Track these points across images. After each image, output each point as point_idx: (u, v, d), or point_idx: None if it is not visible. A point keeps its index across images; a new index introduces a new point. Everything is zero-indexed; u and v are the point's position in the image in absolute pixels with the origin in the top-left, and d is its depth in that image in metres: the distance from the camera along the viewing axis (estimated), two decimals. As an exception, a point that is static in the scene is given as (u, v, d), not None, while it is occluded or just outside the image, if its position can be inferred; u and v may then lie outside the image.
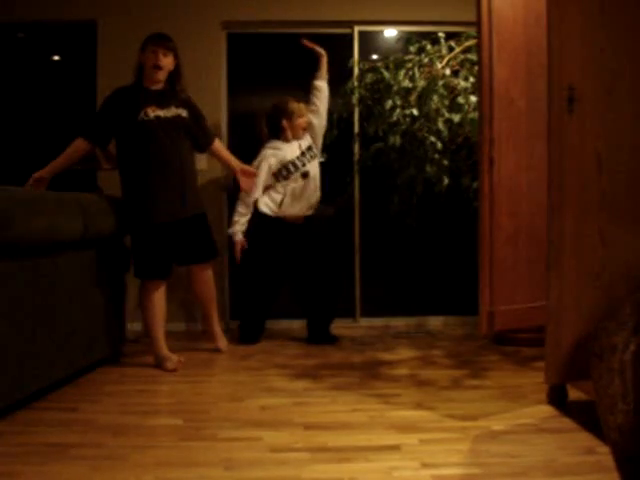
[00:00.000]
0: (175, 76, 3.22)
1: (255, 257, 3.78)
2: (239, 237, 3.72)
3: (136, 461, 1.91)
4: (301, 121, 3.79)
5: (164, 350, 3.13)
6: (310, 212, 3.82)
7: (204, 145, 3.39)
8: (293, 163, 3.73)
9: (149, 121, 3.07)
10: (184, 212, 3.19)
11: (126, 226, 3.16)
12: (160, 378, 2.96)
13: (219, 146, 3.49)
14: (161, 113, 3.10)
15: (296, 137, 3.79)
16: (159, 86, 3.18)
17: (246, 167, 3.44)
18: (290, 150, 3.75)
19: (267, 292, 3.84)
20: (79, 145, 3.11)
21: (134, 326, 4.04)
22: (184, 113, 3.20)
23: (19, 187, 2.39)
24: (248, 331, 3.83)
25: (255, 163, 3.69)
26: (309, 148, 3.80)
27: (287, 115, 3.77)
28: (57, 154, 3.13)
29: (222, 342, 3.52)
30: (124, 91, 3.15)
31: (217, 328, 3.53)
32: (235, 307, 4.32)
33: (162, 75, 3.16)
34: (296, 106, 3.79)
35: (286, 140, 3.78)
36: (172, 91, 3.21)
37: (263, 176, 3.69)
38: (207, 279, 3.41)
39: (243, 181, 3.40)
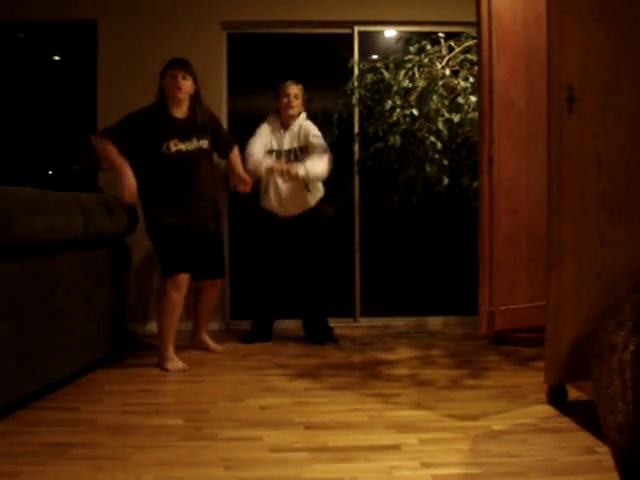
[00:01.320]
0: (196, 102, 3.28)
1: (259, 253, 3.86)
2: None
3: (136, 461, 1.92)
4: (284, 100, 3.73)
5: (170, 352, 3.14)
6: (297, 211, 3.76)
7: (225, 153, 3.55)
8: (277, 152, 3.72)
9: (170, 155, 3.13)
10: (198, 225, 3.26)
11: (149, 233, 3.25)
12: (160, 378, 2.96)
13: (236, 154, 3.58)
14: (183, 147, 3.16)
15: (286, 120, 3.75)
16: (183, 114, 3.23)
17: (246, 176, 3.52)
18: (279, 139, 3.75)
19: (271, 289, 3.84)
20: (106, 144, 3.10)
21: (134, 326, 4.05)
22: (205, 144, 3.26)
23: (19, 187, 2.39)
24: (260, 329, 3.84)
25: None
26: (301, 149, 3.72)
27: (276, 96, 3.80)
28: (57, 154, 3.13)
29: (216, 345, 3.57)
30: (149, 115, 3.16)
31: (207, 336, 3.60)
32: (245, 307, 4.27)
33: (183, 95, 3.20)
34: (282, 85, 3.78)
35: (283, 126, 3.77)
36: (194, 120, 3.25)
37: (262, 134, 3.72)
38: (214, 297, 3.55)
39: (239, 185, 3.55)
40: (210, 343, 3.55)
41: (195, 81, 3.26)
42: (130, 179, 3.04)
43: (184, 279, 3.17)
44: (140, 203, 3.22)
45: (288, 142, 3.73)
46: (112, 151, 3.07)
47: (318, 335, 3.80)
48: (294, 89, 3.74)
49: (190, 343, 3.56)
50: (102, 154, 3.14)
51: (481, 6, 2.76)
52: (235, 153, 3.57)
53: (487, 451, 1.97)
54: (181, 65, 3.21)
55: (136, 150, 3.13)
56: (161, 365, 3.10)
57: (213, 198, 3.37)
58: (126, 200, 3.08)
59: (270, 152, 3.71)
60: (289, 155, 3.72)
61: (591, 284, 2.24)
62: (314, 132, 3.71)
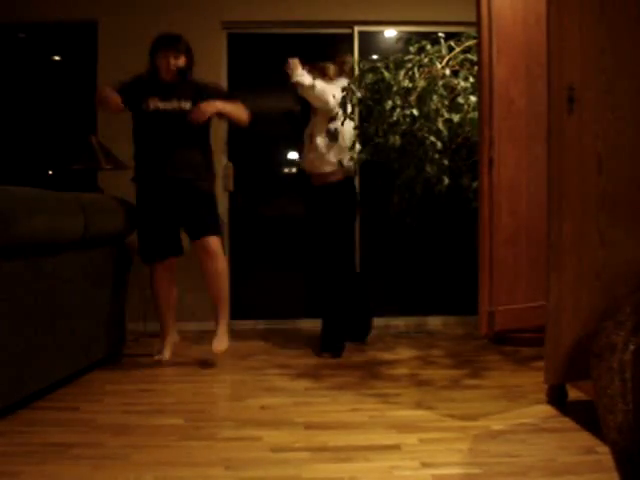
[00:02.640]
0: (187, 68, 3.28)
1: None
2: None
3: (136, 460, 1.92)
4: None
5: (160, 339, 3.29)
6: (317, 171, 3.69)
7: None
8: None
9: (148, 113, 3.18)
10: (169, 173, 3.20)
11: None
12: (160, 378, 2.96)
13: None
14: (161, 105, 3.18)
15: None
16: (169, 78, 3.24)
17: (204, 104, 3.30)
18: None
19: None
20: (118, 100, 3.13)
21: (134, 326, 4.05)
22: (188, 106, 3.20)
23: (19, 187, 2.39)
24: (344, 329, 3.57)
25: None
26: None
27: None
28: (57, 154, 3.14)
29: (216, 343, 3.17)
30: (141, 78, 3.27)
31: (220, 328, 3.23)
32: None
33: (171, 74, 3.24)
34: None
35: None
36: (181, 83, 3.24)
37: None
38: (209, 268, 3.22)
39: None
40: (214, 342, 3.17)
41: (188, 55, 3.27)
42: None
43: (156, 265, 3.23)
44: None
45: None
46: (105, 89, 3.16)
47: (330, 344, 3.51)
48: None
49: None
50: (99, 96, 3.17)
51: (481, 6, 2.75)
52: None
53: (487, 451, 1.97)
54: (172, 43, 3.22)
55: (127, 102, 3.18)
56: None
57: (200, 165, 3.28)
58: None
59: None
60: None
61: (591, 284, 2.24)
62: None
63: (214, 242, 3.23)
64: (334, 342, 3.46)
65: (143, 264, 3.32)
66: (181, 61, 3.24)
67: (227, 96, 3.39)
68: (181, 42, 3.25)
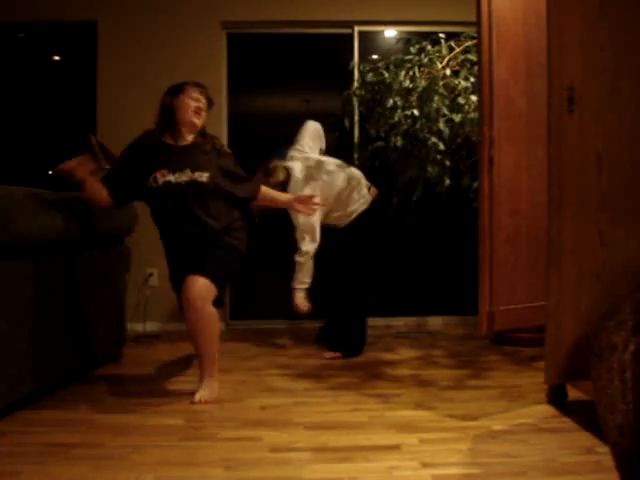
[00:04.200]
0: (202, 130, 2.82)
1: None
2: None
3: (136, 461, 1.92)
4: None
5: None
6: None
7: (246, 200, 2.91)
8: None
9: (157, 188, 2.64)
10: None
11: None
12: (160, 378, 2.96)
13: (265, 192, 2.98)
14: (172, 178, 2.64)
15: None
16: (181, 141, 2.74)
17: (302, 196, 3.05)
18: None
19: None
20: (102, 194, 2.69)
21: (134, 326, 4.06)
22: (204, 177, 2.67)
23: (19, 187, 2.39)
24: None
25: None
26: None
27: None
28: (56, 154, 3.11)
29: (199, 393, 2.58)
30: (145, 143, 2.73)
31: (203, 382, 2.61)
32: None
33: (200, 124, 2.76)
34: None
35: None
36: (192, 148, 2.74)
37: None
38: (189, 314, 2.53)
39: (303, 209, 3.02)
40: (197, 393, 2.59)
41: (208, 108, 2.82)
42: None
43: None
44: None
45: None
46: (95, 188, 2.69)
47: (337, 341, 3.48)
48: None
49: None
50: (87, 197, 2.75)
51: (481, 6, 2.76)
52: (263, 193, 2.96)
53: (487, 451, 1.97)
54: (203, 88, 2.78)
55: (132, 181, 2.70)
56: None
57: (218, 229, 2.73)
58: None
59: None
60: None
61: (591, 284, 2.24)
62: None
63: (200, 285, 2.52)
64: (351, 342, 3.44)
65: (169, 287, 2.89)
66: (205, 113, 2.78)
67: (235, 165, 2.89)
68: (206, 89, 2.81)
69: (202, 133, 2.81)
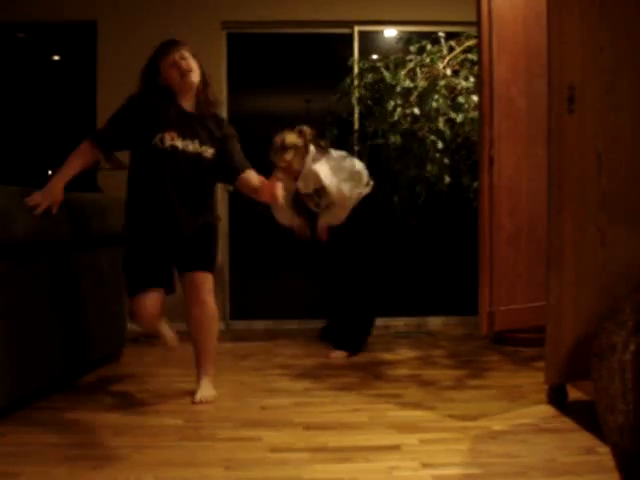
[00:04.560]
0: (203, 91, 2.62)
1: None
2: None
3: (136, 461, 1.91)
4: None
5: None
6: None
7: (234, 175, 2.69)
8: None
9: (162, 150, 2.47)
10: (185, 232, 2.59)
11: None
12: (160, 378, 2.96)
13: (246, 178, 2.68)
14: (180, 144, 2.50)
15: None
16: (190, 104, 2.57)
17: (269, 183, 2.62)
18: None
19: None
20: (86, 150, 2.50)
21: (134, 326, 4.05)
22: (209, 153, 2.58)
23: (19, 187, 2.39)
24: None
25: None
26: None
27: None
28: (56, 153, 3.09)
29: (199, 393, 2.58)
30: (156, 98, 2.52)
31: (202, 380, 2.64)
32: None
33: (196, 78, 2.55)
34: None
35: None
36: (203, 119, 2.59)
37: None
38: (198, 307, 2.60)
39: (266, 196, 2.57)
40: (167, 335, 2.78)
41: (200, 69, 2.61)
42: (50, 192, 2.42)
43: (149, 303, 2.50)
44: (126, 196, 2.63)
45: None
46: (72, 156, 2.48)
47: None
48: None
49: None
50: (85, 160, 2.52)
51: (481, 6, 2.75)
52: (249, 174, 2.68)
53: (487, 451, 1.97)
54: (177, 44, 2.57)
55: (130, 136, 2.50)
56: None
57: (210, 208, 2.71)
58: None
59: None
60: None
61: (591, 284, 2.24)
62: None
63: (210, 281, 2.61)
64: (356, 341, 3.44)
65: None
66: (195, 71, 2.56)
67: (239, 147, 2.73)
68: (185, 44, 2.60)
69: (209, 101, 2.63)
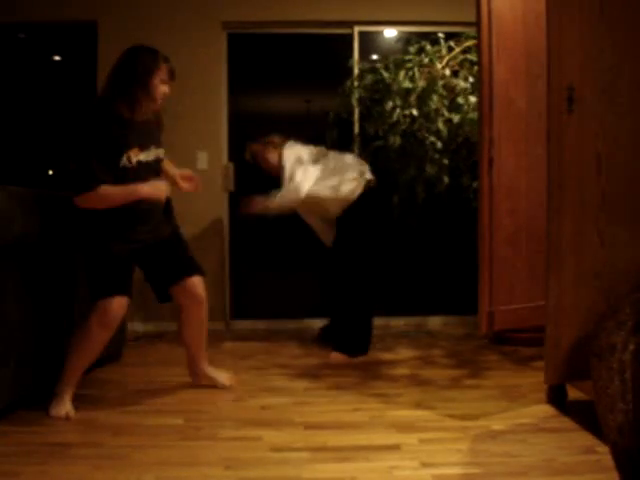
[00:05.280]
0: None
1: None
2: None
3: (136, 460, 1.92)
4: None
5: (69, 393, 2.46)
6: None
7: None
8: None
9: (130, 168, 2.45)
10: (156, 239, 2.64)
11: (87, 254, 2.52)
12: (160, 378, 2.96)
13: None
14: (142, 157, 2.50)
15: None
16: (140, 116, 2.51)
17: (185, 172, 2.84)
18: None
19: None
20: (97, 194, 2.39)
21: (134, 326, 4.06)
22: (162, 153, 2.64)
23: (19, 187, 2.39)
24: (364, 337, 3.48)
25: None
26: None
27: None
28: (57, 154, 3.08)
29: (227, 377, 2.84)
30: (107, 119, 2.41)
31: (210, 367, 2.85)
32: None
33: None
34: None
35: None
36: (150, 124, 2.59)
37: None
38: (198, 314, 2.73)
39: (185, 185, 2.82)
40: (218, 377, 2.81)
41: None
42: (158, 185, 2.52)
43: (118, 305, 2.44)
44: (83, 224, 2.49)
45: None
46: (109, 190, 2.40)
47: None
48: None
49: (193, 381, 2.83)
50: (105, 203, 2.43)
51: (481, 6, 2.76)
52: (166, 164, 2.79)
53: (487, 451, 1.97)
54: (174, 73, 2.56)
55: (100, 158, 2.39)
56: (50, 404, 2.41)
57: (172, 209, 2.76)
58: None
59: None
60: None
61: (591, 284, 2.24)
62: None
63: (201, 284, 2.71)
64: (356, 342, 3.41)
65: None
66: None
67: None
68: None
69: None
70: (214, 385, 2.79)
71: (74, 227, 2.57)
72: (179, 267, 2.68)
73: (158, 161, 2.62)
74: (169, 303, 2.74)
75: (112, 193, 2.40)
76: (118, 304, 2.44)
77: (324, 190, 3.37)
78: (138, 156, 2.48)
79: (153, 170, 2.58)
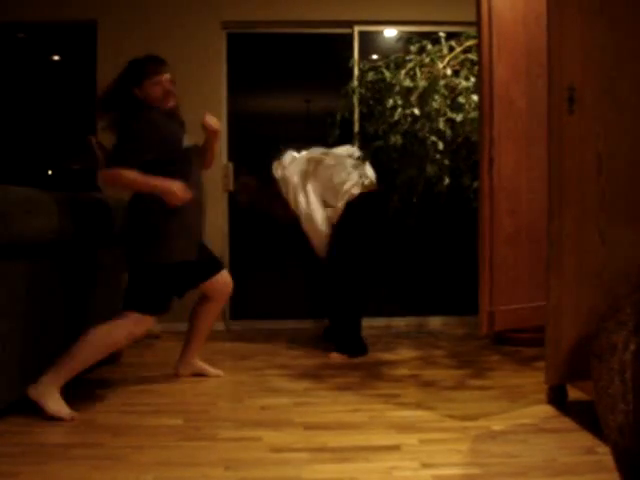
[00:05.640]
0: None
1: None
2: None
3: (136, 461, 1.91)
4: None
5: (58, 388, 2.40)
6: None
7: None
8: None
9: (187, 150, 2.60)
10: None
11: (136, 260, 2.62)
12: (160, 378, 2.96)
13: None
14: (186, 142, 2.64)
15: None
16: (173, 105, 2.67)
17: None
18: None
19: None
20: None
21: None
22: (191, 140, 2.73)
23: (18, 187, 2.39)
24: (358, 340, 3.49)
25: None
26: None
27: None
28: (57, 154, 3.09)
29: (214, 370, 3.01)
30: (156, 113, 2.57)
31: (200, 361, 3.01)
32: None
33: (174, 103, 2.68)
34: None
35: None
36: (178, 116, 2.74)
37: None
38: (218, 308, 2.95)
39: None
40: (209, 367, 2.99)
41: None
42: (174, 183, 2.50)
43: (149, 323, 2.56)
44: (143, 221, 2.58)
45: None
46: (130, 174, 2.47)
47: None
48: None
49: (179, 371, 2.94)
50: (117, 182, 2.53)
51: (481, 6, 2.75)
52: None
53: (487, 451, 1.97)
54: (163, 63, 2.67)
55: (157, 151, 2.52)
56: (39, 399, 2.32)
57: None
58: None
59: None
60: None
61: (591, 284, 2.24)
62: None
63: (229, 275, 2.94)
64: (354, 343, 3.43)
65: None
66: (173, 84, 2.67)
67: None
68: (166, 63, 2.70)
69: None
70: (204, 374, 2.95)
71: (125, 238, 2.65)
72: (211, 263, 2.86)
73: (194, 148, 2.70)
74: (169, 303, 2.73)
75: (130, 177, 2.47)
76: (150, 323, 2.56)
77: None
78: (184, 141, 2.62)
79: (193, 156, 2.67)
